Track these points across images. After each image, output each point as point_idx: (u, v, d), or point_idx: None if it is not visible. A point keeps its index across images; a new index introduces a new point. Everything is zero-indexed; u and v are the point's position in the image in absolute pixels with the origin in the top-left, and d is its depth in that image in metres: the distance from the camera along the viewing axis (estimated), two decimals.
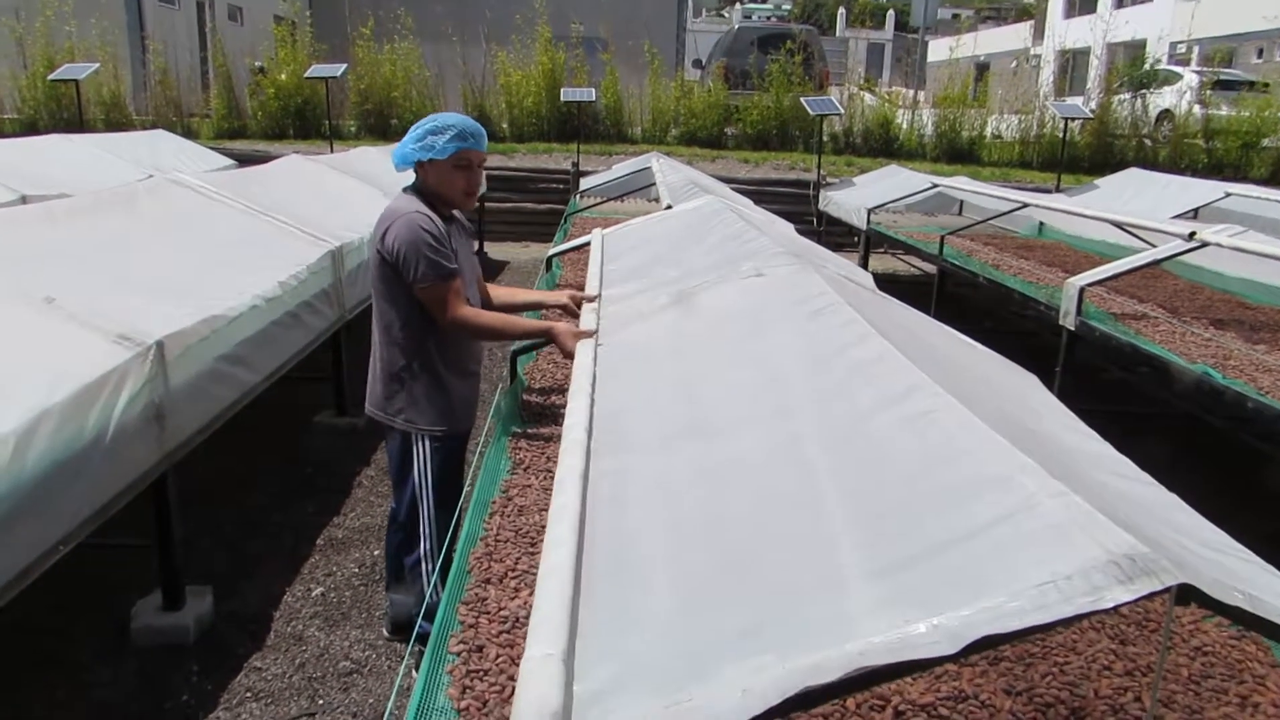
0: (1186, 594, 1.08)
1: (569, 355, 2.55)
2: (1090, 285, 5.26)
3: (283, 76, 14.94)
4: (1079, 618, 1.01)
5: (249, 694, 3.09)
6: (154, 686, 3.10)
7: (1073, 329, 5.18)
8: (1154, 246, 6.07)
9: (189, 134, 13.82)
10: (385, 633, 3.43)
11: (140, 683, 3.12)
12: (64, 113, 14.22)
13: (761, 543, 1.36)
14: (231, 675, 3.18)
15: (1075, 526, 1.13)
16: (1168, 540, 1.35)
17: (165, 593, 3.37)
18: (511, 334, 2.99)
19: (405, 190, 3.01)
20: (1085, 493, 1.30)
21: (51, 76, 13.22)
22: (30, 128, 14.02)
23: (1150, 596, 1.05)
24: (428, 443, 3.00)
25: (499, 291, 3.30)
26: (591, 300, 2.99)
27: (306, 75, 13.77)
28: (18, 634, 3.27)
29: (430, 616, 2.98)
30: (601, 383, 2.31)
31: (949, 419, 1.58)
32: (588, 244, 4.48)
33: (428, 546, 3.06)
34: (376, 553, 3.98)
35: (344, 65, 13.77)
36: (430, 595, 3.05)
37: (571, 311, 3.09)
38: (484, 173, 3.04)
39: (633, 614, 1.25)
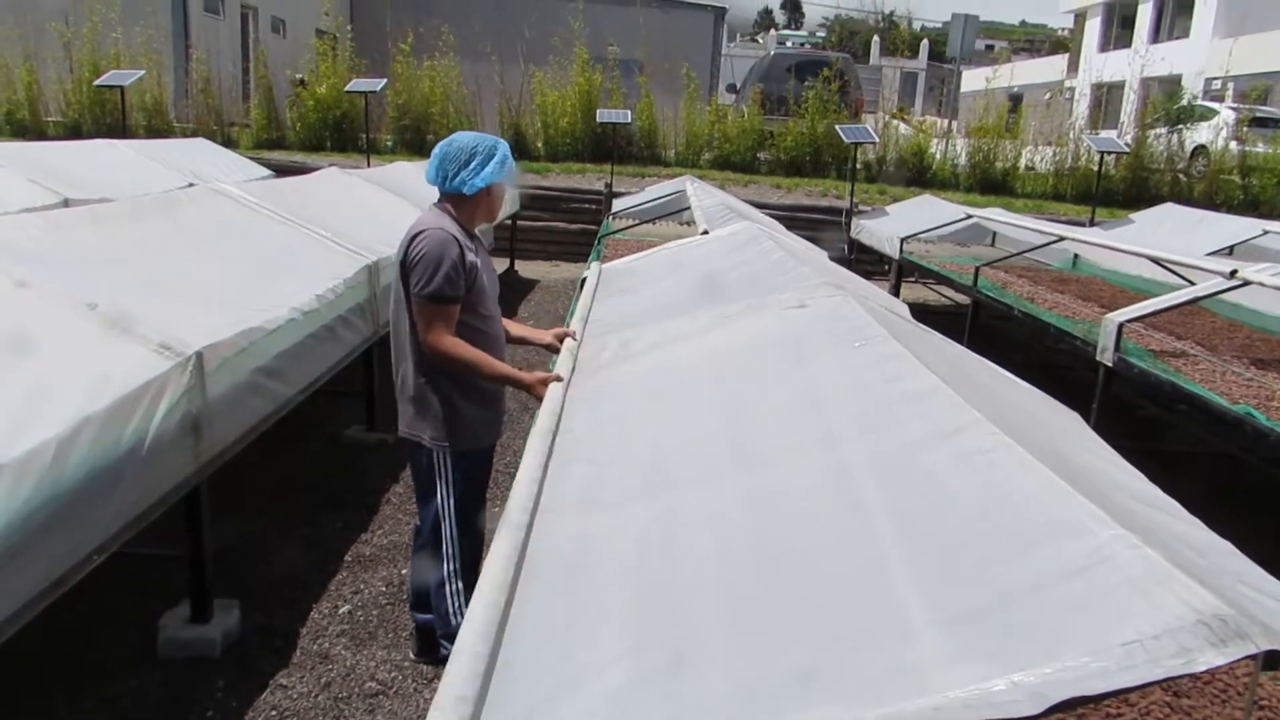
0: (1274, 659, 1.04)
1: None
2: (1128, 322, 5.18)
3: (322, 89, 15.10)
4: (1168, 680, 0.96)
5: (274, 712, 3.06)
6: (179, 700, 3.08)
7: (1110, 365, 5.10)
8: (1191, 283, 5.98)
9: (228, 143, 13.99)
10: (411, 654, 3.40)
11: (165, 695, 3.10)
12: (107, 118, 14.44)
13: (822, 582, 1.32)
14: (257, 692, 3.15)
15: (1156, 583, 1.09)
16: (1240, 596, 1.30)
17: (194, 605, 3.36)
18: (485, 373, 2.92)
19: (436, 205, 3.01)
20: (1157, 545, 1.25)
21: (97, 82, 13.43)
22: (74, 131, 14.26)
23: (1240, 660, 1.01)
24: (450, 459, 2.98)
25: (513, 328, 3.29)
26: (574, 338, 3.00)
27: (346, 89, 13.92)
28: (46, 640, 3.26)
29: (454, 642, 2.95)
30: (647, 410, 2.28)
31: (1007, 459, 1.54)
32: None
33: (452, 567, 3.03)
34: (404, 571, 3.96)
35: (383, 80, 13.91)
36: (456, 617, 3.02)
37: (555, 350, 3.09)
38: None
39: (688, 654, 1.22)
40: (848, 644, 1.16)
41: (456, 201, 2.98)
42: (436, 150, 2.98)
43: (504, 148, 2.98)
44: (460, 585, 3.03)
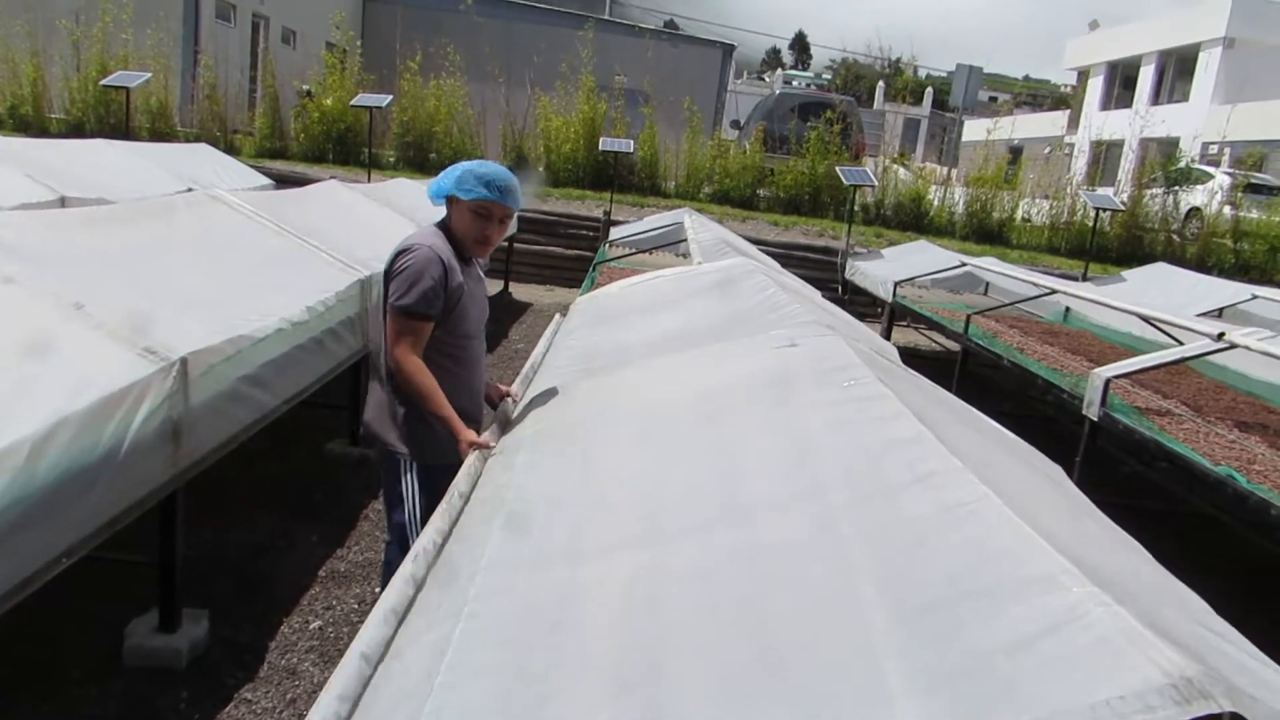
0: None
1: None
2: (1116, 378, 5.21)
3: (328, 102, 15.17)
4: None
5: None
6: (140, 710, 3.03)
7: (1095, 420, 5.12)
8: (1180, 343, 6.02)
9: (231, 150, 14.01)
10: None
11: (126, 705, 3.05)
12: (111, 118, 14.46)
13: (801, 643, 1.31)
14: (220, 706, 3.10)
15: (1127, 642, 1.09)
16: (1211, 656, 1.30)
17: (161, 614, 3.31)
18: (429, 407, 2.87)
19: (436, 224, 3.02)
20: (1130, 602, 1.25)
21: (104, 82, 13.46)
22: (76, 130, 14.26)
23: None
24: (416, 471, 2.97)
25: None
26: (514, 400, 3.03)
27: (352, 103, 13.99)
28: (8, 643, 3.22)
29: None
30: (633, 454, 2.28)
31: (988, 513, 1.54)
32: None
33: None
34: (378, 590, 3.92)
35: (389, 96, 13.98)
36: None
37: (490, 403, 3.12)
38: (504, 229, 3.05)
39: (665, 707, 1.20)
40: (827, 708, 1.15)
41: (447, 217, 3.00)
42: None
43: (486, 171, 2.92)
44: None
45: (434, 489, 2.96)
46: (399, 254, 2.89)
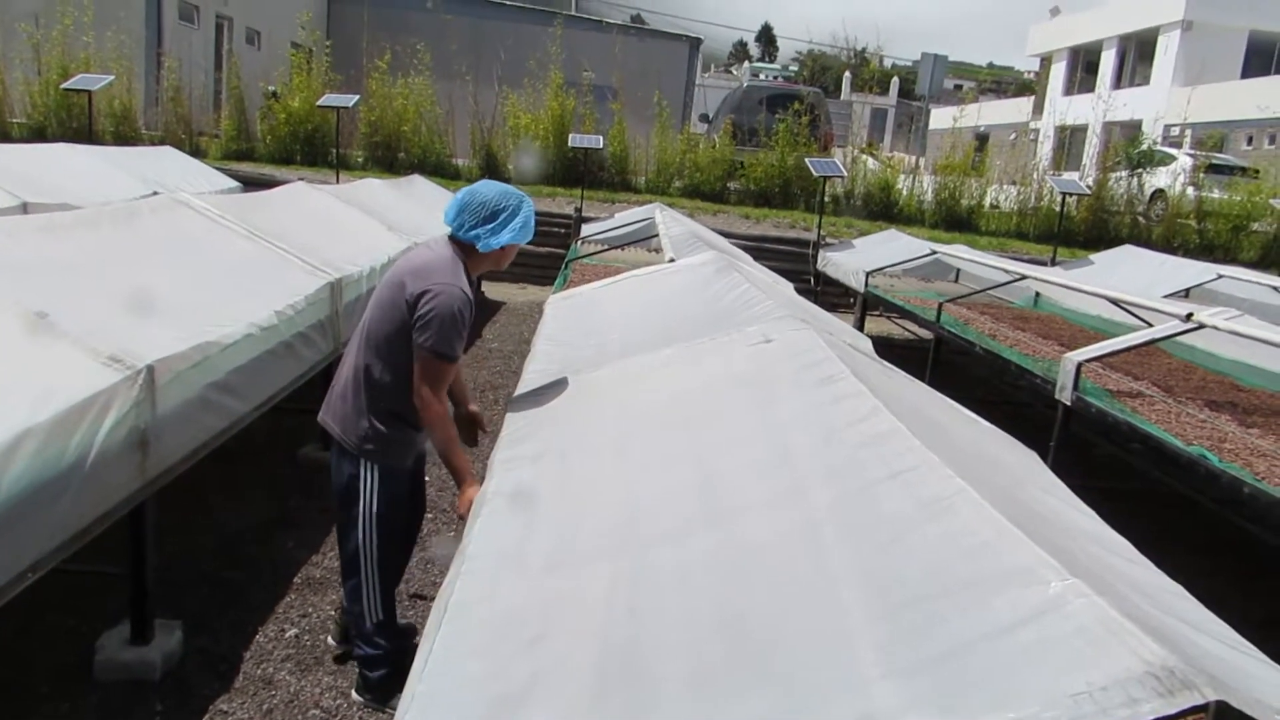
0: (1225, 711, 1.03)
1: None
2: (1087, 361, 5.25)
3: (295, 102, 15.02)
4: None
5: None
6: None
7: (1069, 404, 5.16)
8: (1148, 324, 6.09)
9: (197, 153, 13.84)
10: (353, 694, 3.28)
11: (100, 719, 3.00)
12: (74, 122, 14.22)
13: (782, 638, 1.30)
14: (196, 717, 3.05)
15: (1106, 633, 1.09)
16: (1189, 645, 1.30)
17: (134, 625, 3.25)
18: (447, 453, 2.90)
19: (451, 247, 2.95)
20: (1108, 592, 1.25)
21: (65, 85, 13.23)
22: (38, 134, 14.01)
23: (1189, 712, 1.00)
24: (377, 471, 2.98)
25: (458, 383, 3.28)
26: (484, 429, 3.17)
27: (319, 103, 13.85)
28: None
29: (369, 643, 3.04)
30: (613, 461, 2.26)
31: (965, 507, 1.54)
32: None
33: (368, 570, 3.03)
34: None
35: (356, 96, 13.87)
36: (371, 617, 3.06)
37: (462, 421, 3.18)
38: None
39: (647, 706, 1.19)
40: (807, 697, 1.14)
41: (469, 250, 2.94)
42: (461, 195, 2.95)
43: (527, 208, 2.93)
44: (376, 588, 3.04)
45: (389, 490, 2.97)
46: (424, 292, 2.80)
